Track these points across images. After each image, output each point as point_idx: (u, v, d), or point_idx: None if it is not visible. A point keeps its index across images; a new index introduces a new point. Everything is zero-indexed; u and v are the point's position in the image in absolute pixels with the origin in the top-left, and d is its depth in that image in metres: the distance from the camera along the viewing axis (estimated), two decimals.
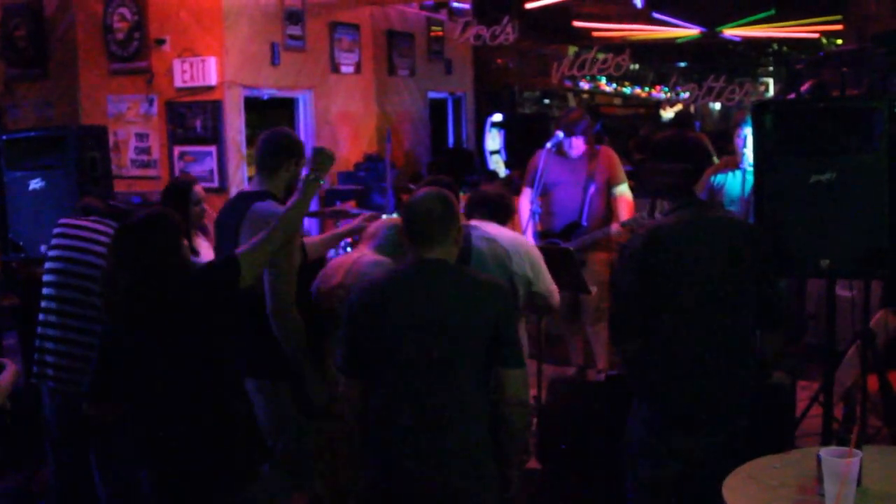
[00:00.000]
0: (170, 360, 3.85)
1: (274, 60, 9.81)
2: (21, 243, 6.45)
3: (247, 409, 4.08)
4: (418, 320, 3.62)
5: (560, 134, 7.22)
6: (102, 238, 5.02)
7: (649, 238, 4.26)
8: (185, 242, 4.01)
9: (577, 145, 7.26)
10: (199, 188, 5.83)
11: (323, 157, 4.35)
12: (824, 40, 16.74)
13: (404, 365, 3.63)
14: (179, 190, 5.75)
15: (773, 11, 16.62)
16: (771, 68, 21.13)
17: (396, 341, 3.64)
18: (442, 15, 13.06)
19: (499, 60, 15.64)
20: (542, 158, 7.18)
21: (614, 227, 7.15)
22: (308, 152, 4.60)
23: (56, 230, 5.24)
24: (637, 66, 19.80)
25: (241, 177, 9.32)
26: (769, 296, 4.27)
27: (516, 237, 5.37)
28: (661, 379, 4.23)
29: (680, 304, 4.16)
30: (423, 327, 3.62)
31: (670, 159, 4.48)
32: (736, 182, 6.68)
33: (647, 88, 20.91)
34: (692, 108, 17.41)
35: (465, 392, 3.65)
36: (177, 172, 9.36)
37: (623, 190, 7.34)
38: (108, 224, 5.10)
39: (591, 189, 7.27)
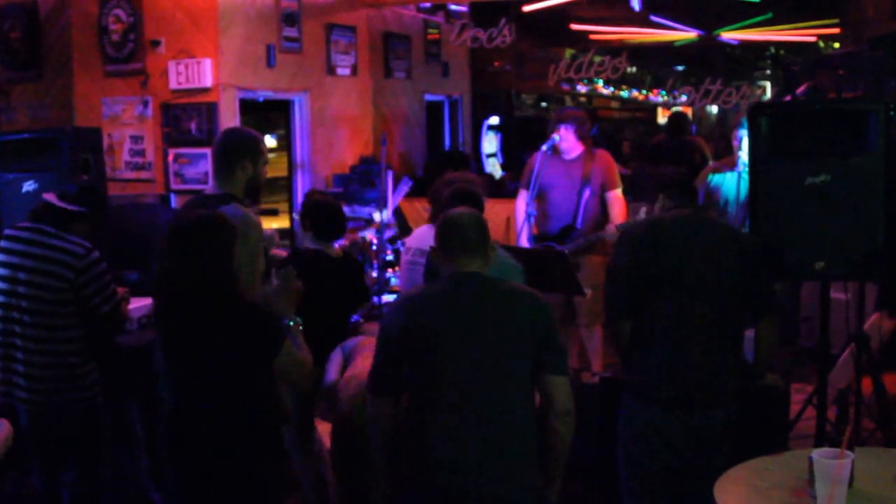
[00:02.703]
0: (200, 381, 3.82)
1: (270, 62, 9.79)
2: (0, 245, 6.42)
3: (277, 443, 4.05)
4: (463, 335, 3.67)
5: (556, 137, 7.20)
6: (33, 249, 4.92)
7: (649, 226, 4.43)
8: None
9: (568, 137, 7.22)
10: None
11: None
12: (822, 44, 16.71)
13: (451, 380, 3.65)
14: None
15: (770, 15, 16.58)
16: (768, 72, 21.07)
17: (442, 357, 3.66)
18: (439, 17, 13.04)
19: (496, 63, 15.61)
20: (538, 161, 7.16)
21: (609, 229, 7.12)
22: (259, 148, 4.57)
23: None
24: (634, 69, 19.76)
25: None
26: (760, 287, 4.36)
27: None
28: (646, 363, 4.31)
29: (669, 291, 4.25)
30: (468, 342, 3.66)
31: (666, 164, 4.54)
32: (731, 184, 6.66)
33: (644, 91, 20.87)
34: (690, 112, 17.38)
35: (514, 403, 3.70)
36: (172, 175, 9.35)
37: (618, 193, 7.32)
38: (39, 230, 4.96)
39: (586, 192, 7.24)
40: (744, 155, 6.41)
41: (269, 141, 10.74)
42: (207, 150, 9.06)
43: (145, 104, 9.47)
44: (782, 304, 4.82)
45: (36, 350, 4.92)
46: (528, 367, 3.72)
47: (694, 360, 4.23)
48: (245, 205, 4.70)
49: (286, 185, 10.64)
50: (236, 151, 4.76)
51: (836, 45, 15.65)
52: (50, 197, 5.02)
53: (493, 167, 14.65)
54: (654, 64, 20.42)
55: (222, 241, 3.82)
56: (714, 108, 18.79)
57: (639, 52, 18.11)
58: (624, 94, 20.48)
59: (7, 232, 5.10)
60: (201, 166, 9.21)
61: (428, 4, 12.67)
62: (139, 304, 5.91)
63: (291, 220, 10.62)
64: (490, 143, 14.71)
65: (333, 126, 10.96)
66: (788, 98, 9.46)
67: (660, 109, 21.18)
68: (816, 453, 3.20)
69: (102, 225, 5.26)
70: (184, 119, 9.29)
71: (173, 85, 9.29)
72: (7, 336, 4.98)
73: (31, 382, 4.94)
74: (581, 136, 7.30)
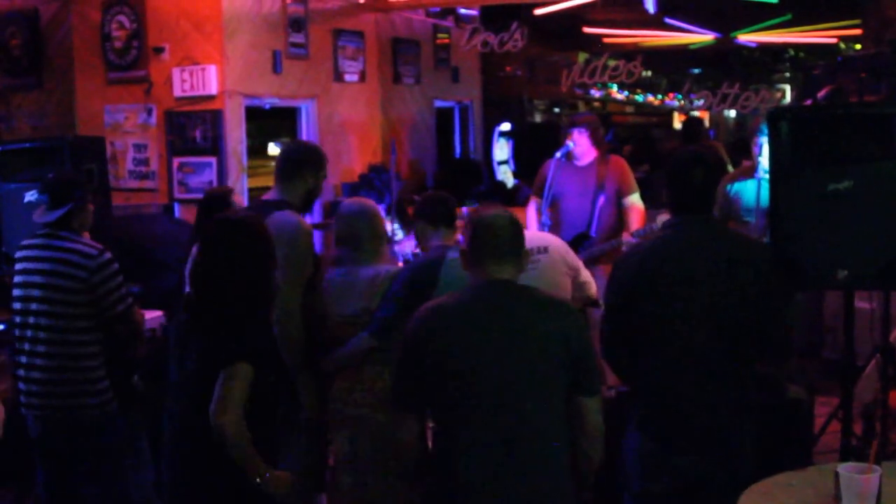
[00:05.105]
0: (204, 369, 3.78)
1: (276, 69, 9.68)
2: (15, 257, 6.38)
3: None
4: (493, 349, 3.54)
5: (570, 144, 7.11)
6: (46, 254, 5.06)
7: (642, 257, 4.14)
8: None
9: (581, 141, 7.15)
10: (237, 198, 5.75)
11: None
12: (842, 45, 16.56)
13: (480, 396, 3.54)
14: (217, 199, 5.51)
15: (789, 16, 16.47)
16: (787, 74, 21.00)
17: (470, 372, 3.54)
18: (448, 22, 12.99)
19: (507, 68, 15.49)
20: (552, 168, 7.09)
21: (625, 238, 7.00)
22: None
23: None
24: (650, 73, 19.67)
25: (241, 188, 9.16)
26: (771, 329, 4.06)
27: (544, 236, 5.26)
28: (646, 400, 4.12)
29: (667, 327, 4.00)
30: (498, 356, 3.54)
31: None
32: (751, 191, 6.54)
33: (660, 96, 20.79)
34: (707, 116, 17.27)
35: (547, 419, 3.60)
36: (176, 184, 9.27)
37: (634, 200, 7.22)
38: (52, 235, 5.08)
39: (601, 199, 7.17)
40: (764, 161, 6.25)
41: (276, 149, 10.63)
42: (213, 159, 9.05)
43: (149, 112, 9.37)
44: (794, 341, 4.66)
45: (50, 354, 5.01)
46: (561, 382, 3.61)
47: (698, 397, 3.99)
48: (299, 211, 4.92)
49: None
50: (305, 162, 4.98)
51: (858, 46, 15.47)
52: (38, 217, 5.15)
53: (505, 174, 14.52)
54: (670, 67, 20.37)
55: (254, 244, 3.86)
56: (732, 113, 18.68)
57: (654, 56, 18.00)
58: (639, 98, 20.39)
59: (22, 243, 5.25)
60: (206, 175, 9.12)
61: (437, 9, 12.60)
62: (148, 317, 5.93)
63: None
64: (501, 149, 14.57)
65: (341, 133, 10.85)
66: (809, 102, 9.32)
67: (676, 114, 21.07)
68: (843, 467, 3.14)
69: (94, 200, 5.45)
70: (188, 127, 9.20)
71: (177, 92, 9.20)
72: (22, 343, 5.08)
73: (45, 388, 5.03)
74: (595, 141, 7.24)
